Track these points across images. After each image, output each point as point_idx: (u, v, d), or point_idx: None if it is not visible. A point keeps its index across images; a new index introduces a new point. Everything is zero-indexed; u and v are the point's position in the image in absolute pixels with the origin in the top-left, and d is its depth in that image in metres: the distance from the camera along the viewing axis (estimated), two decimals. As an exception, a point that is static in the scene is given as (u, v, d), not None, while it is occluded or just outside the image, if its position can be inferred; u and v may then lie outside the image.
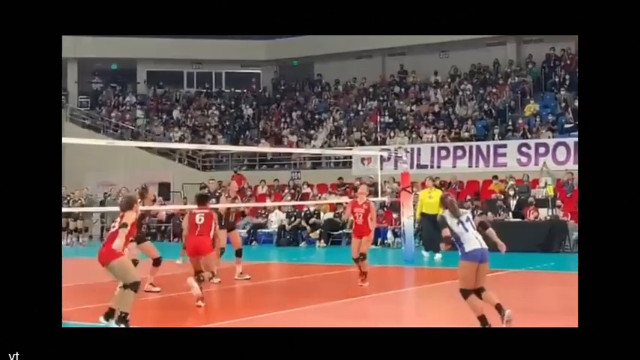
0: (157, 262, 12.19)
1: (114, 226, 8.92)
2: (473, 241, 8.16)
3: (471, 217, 8.46)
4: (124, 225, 8.63)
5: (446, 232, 8.30)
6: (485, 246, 8.19)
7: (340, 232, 22.48)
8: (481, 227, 8.43)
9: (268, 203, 24.04)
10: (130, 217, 8.74)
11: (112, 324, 8.67)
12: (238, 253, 13.68)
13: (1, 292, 5.74)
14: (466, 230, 8.22)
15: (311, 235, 23.06)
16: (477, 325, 7.79)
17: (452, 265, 14.98)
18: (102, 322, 8.83)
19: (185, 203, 25.63)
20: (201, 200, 11.88)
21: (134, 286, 8.67)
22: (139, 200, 9.91)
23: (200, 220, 11.26)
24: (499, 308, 7.94)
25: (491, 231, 8.46)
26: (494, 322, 7.79)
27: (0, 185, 5.87)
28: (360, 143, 27.70)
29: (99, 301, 10.37)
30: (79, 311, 9.98)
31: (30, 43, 6.05)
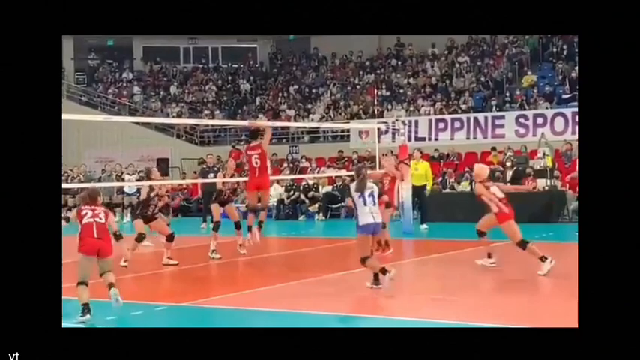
0: (169, 238, 12.73)
1: (98, 217, 8.65)
2: (367, 215, 9.09)
3: (375, 193, 9.32)
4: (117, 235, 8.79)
5: (349, 202, 9.32)
6: (378, 220, 9.21)
7: (339, 205, 22.53)
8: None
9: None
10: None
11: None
12: (237, 226, 13.79)
13: (1, 291, 5.70)
14: (364, 204, 9.10)
15: (310, 208, 23.12)
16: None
17: (448, 236, 15.11)
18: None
19: (184, 179, 25.72)
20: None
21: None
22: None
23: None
24: (384, 270, 9.12)
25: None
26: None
27: (0, 185, 5.82)
28: (358, 117, 27.68)
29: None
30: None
31: (30, 43, 6.01)
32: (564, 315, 7.39)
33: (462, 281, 10.52)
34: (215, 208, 13.92)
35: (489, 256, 11.36)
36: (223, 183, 14.32)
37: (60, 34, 6.18)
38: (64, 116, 10.64)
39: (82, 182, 22.81)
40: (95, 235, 8.45)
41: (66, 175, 23.91)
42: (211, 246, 13.40)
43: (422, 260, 13.42)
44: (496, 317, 7.94)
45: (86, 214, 8.68)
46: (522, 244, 10.56)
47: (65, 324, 6.35)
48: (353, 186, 9.31)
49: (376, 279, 9.30)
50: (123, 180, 23.42)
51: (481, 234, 11.37)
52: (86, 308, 8.16)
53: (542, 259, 10.35)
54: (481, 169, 11.57)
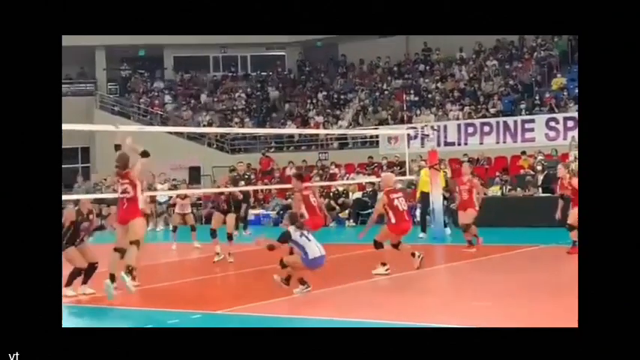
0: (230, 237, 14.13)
1: (126, 190, 9.96)
2: (315, 249, 9.95)
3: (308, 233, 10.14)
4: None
5: (289, 246, 10.35)
6: (323, 252, 10.05)
7: (369, 211, 22.62)
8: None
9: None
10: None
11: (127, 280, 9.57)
12: (229, 237, 14.37)
13: (1, 292, 5.69)
14: (309, 240, 9.97)
15: (340, 214, 23.25)
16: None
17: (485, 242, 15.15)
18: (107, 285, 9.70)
19: (216, 187, 25.97)
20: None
21: (138, 243, 9.93)
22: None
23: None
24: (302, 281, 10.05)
25: None
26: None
27: (0, 184, 5.79)
28: (387, 122, 27.77)
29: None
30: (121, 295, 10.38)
31: (30, 43, 5.97)
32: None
33: (496, 286, 10.59)
34: (217, 217, 14.61)
35: (383, 264, 11.81)
36: (218, 194, 14.72)
37: (60, 34, 6.15)
38: (98, 127, 11.01)
39: (115, 192, 23.11)
40: (124, 207, 9.84)
41: (100, 184, 24.26)
42: (216, 249, 14.22)
43: (452, 267, 13.46)
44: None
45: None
46: (377, 245, 11.81)
47: (65, 324, 6.35)
48: (292, 230, 10.03)
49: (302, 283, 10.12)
50: (155, 189, 23.71)
51: (378, 245, 11.92)
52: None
53: (382, 264, 11.63)
54: (388, 179, 12.29)
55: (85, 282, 10.76)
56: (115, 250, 10.08)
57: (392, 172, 23.74)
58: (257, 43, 34.20)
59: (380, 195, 11.88)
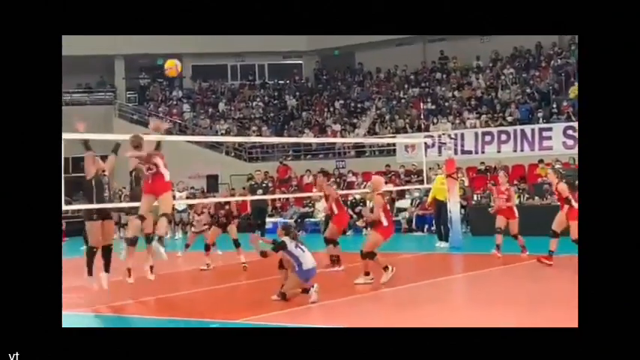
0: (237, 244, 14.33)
1: (150, 168, 10.45)
2: (310, 260, 10.10)
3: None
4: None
5: (285, 257, 10.23)
6: (315, 263, 10.22)
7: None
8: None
9: (314, 193, 24.31)
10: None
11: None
12: (236, 244, 14.45)
13: (1, 292, 5.68)
14: (303, 251, 10.09)
15: (358, 223, 23.27)
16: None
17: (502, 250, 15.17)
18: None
19: (233, 195, 26.10)
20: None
21: (169, 216, 10.81)
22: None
23: None
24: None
25: None
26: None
27: (0, 185, 5.83)
28: (404, 131, 27.82)
29: (163, 291, 10.83)
30: (141, 303, 10.60)
31: (30, 43, 5.96)
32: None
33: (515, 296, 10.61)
34: (215, 231, 14.71)
35: (367, 274, 11.79)
36: (219, 207, 14.77)
37: (60, 34, 6.16)
38: (117, 136, 11.13)
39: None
40: (149, 181, 10.41)
41: (120, 193, 24.43)
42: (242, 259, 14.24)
43: (470, 276, 13.49)
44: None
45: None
46: (370, 255, 11.51)
47: (66, 324, 6.33)
48: (288, 241, 10.12)
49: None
50: (173, 197, 23.85)
51: (371, 255, 11.66)
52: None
53: (385, 268, 11.42)
54: (379, 182, 12.20)
55: (107, 269, 10.82)
56: (139, 217, 10.81)
57: (409, 180, 23.85)
58: (274, 52, 34.39)
59: (374, 198, 11.71)
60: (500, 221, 14.84)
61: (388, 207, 12.08)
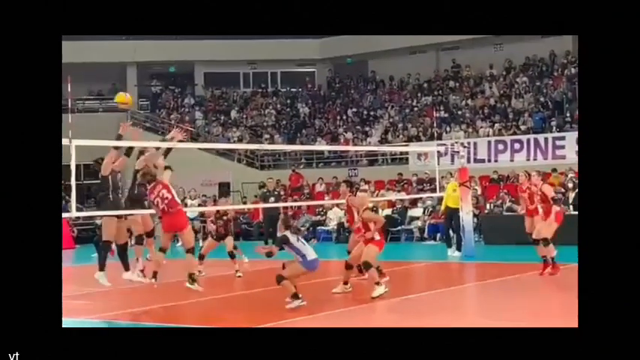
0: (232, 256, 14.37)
1: (164, 196, 10.91)
2: (312, 252, 10.20)
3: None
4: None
5: (289, 250, 10.18)
6: (316, 255, 10.24)
7: (399, 228, 22.59)
8: None
9: (327, 201, 24.28)
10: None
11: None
12: (231, 255, 14.49)
13: (1, 291, 5.69)
14: (304, 244, 10.26)
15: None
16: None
17: (513, 259, 15.06)
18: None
19: (244, 202, 26.09)
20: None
21: (193, 250, 11.19)
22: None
23: None
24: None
25: None
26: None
27: (1, 187, 5.83)
28: (417, 139, 27.74)
29: (180, 298, 10.83)
30: (164, 308, 10.63)
31: (30, 43, 5.95)
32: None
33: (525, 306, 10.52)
34: (210, 243, 14.60)
35: (345, 282, 11.77)
36: (217, 217, 14.71)
37: (60, 34, 6.13)
38: (129, 143, 11.15)
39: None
40: (168, 210, 10.91)
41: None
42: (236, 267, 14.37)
43: (485, 284, 13.39)
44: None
45: (157, 202, 10.99)
46: (366, 265, 11.15)
47: (66, 324, 6.33)
48: (289, 235, 10.16)
49: (295, 297, 10.09)
50: (185, 204, 23.86)
51: (367, 266, 11.36)
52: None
53: (377, 284, 10.98)
54: (365, 199, 12.06)
55: (126, 268, 11.06)
56: (161, 250, 11.26)
57: (421, 189, 23.75)
58: (287, 60, 34.41)
59: (373, 212, 11.63)
60: (527, 224, 14.21)
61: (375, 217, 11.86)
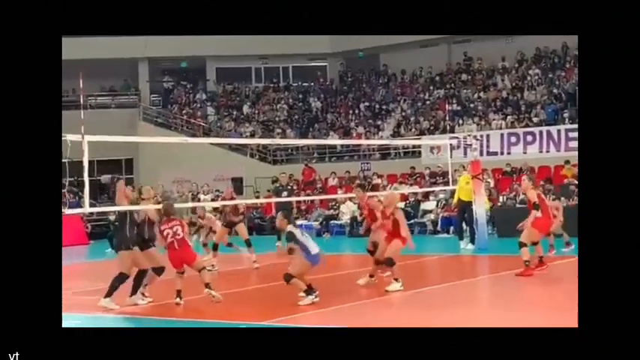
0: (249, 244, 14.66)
1: (176, 231, 10.70)
2: (315, 246, 10.28)
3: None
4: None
5: (294, 246, 10.26)
6: (319, 249, 10.31)
7: (412, 221, 22.55)
8: None
9: (339, 195, 24.28)
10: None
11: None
12: (248, 243, 14.85)
13: (2, 292, 5.70)
14: (307, 237, 10.37)
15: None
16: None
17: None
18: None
19: (257, 197, 26.12)
20: None
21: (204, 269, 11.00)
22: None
23: None
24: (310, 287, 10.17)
25: None
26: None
27: (0, 186, 5.85)
28: (430, 132, 27.68)
29: (192, 293, 10.88)
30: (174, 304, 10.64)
31: (30, 43, 5.98)
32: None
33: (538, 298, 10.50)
34: (222, 231, 14.93)
35: (371, 276, 11.87)
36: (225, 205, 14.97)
37: (60, 34, 6.14)
38: (141, 138, 11.22)
39: (158, 202, 23.32)
40: (176, 247, 10.65)
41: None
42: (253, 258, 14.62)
43: (498, 277, 13.36)
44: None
45: (167, 234, 10.67)
46: (389, 262, 11.25)
47: (65, 324, 6.34)
48: (294, 229, 10.29)
49: (307, 292, 10.16)
50: (198, 200, 23.90)
51: (390, 262, 11.40)
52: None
53: (396, 280, 11.14)
54: (394, 198, 12.16)
55: (133, 293, 10.82)
56: (179, 273, 10.93)
57: (434, 182, 23.72)
58: (299, 54, 34.38)
59: (396, 211, 11.65)
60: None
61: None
